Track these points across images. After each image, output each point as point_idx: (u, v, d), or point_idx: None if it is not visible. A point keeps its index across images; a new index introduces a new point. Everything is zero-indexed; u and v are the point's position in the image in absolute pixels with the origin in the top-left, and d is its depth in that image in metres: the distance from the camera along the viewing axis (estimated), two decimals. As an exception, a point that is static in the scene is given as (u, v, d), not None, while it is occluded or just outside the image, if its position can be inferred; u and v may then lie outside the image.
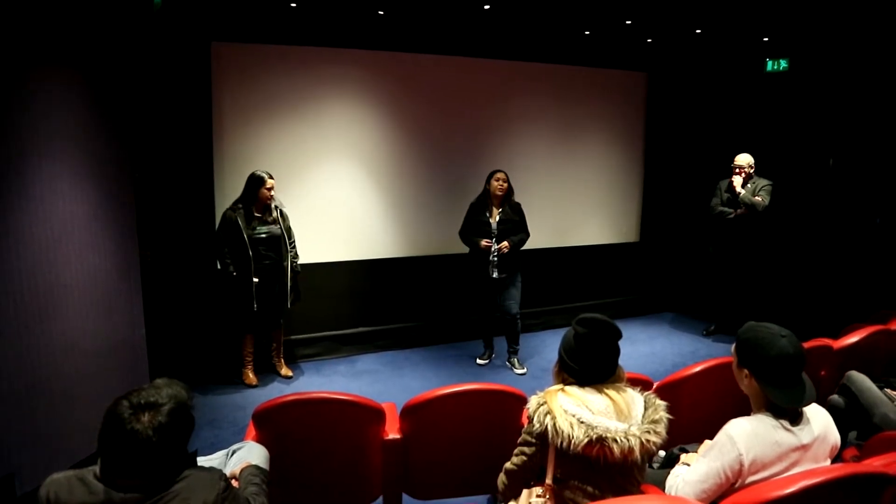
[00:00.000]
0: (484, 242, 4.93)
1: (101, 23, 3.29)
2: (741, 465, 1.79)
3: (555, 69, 6.08)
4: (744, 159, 5.51)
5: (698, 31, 5.55)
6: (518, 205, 5.09)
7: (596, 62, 6.22)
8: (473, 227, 5.05)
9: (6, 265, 2.75)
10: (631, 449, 1.77)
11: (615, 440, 1.76)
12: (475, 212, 5.07)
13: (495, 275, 5.00)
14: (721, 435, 1.86)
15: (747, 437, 1.81)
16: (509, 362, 5.29)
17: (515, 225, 5.02)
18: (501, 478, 2.08)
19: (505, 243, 4.91)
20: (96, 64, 3.27)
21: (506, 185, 4.97)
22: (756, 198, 5.39)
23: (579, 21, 5.40)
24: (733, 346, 2.02)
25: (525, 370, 5.19)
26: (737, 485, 1.82)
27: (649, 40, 6.03)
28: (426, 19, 5.20)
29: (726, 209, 5.61)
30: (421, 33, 5.38)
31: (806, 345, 3.32)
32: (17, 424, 2.88)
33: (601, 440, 1.76)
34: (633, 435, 1.79)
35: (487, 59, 5.74)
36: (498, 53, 5.76)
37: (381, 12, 4.90)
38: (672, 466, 2.26)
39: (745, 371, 1.94)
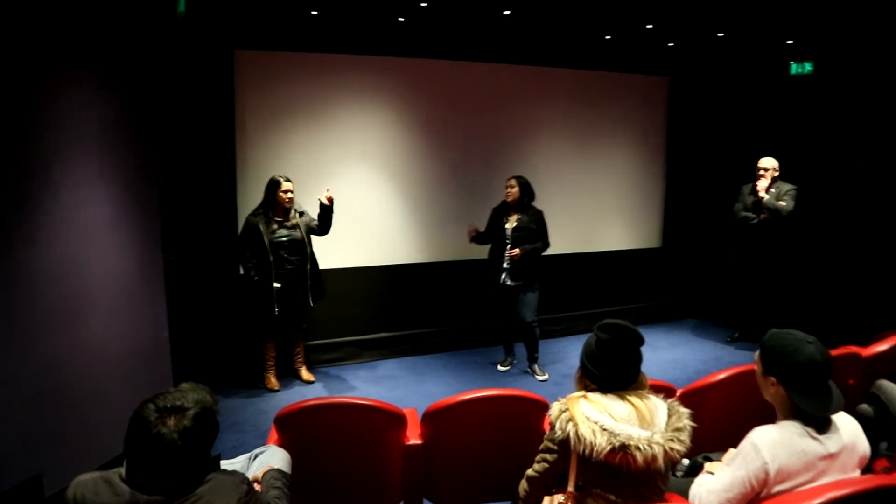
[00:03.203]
0: (469, 228, 5.00)
1: (127, 31, 3.36)
2: (766, 473, 1.76)
3: (575, 74, 6.06)
4: (768, 162, 5.43)
5: (720, 34, 5.49)
6: (540, 213, 4.99)
7: (617, 67, 6.19)
8: (490, 231, 5.05)
9: (34, 268, 2.81)
10: (654, 457, 1.75)
11: (638, 448, 1.74)
12: (495, 217, 5.07)
13: (508, 282, 4.95)
14: (745, 443, 1.83)
15: (773, 445, 1.78)
16: (530, 369, 5.26)
17: (532, 233, 4.90)
18: (523, 484, 2.07)
19: (516, 250, 4.84)
20: (122, 70, 3.33)
21: (514, 190, 4.88)
22: (780, 202, 5.31)
23: (600, 26, 5.39)
24: (757, 353, 1.99)
25: (546, 376, 5.16)
26: (762, 494, 1.79)
27: (671, 44, 5.99)
28: (446, 25, 5.22)
29: (749, 214, 5.53)
30: (441, 39, 5.41)
31: (834, 352, 3.24)
32: (46, 425, 2.93)
33: (624, 448, 1.75)
34: (657, 443, 1.77)
35: (507, 64, 5.75)
36: (518, 59, 5.76)
37: (401, 19, 4.93)
38: (696, 475, 2.23)
39: (772, 379, 1.91)
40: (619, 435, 1.76)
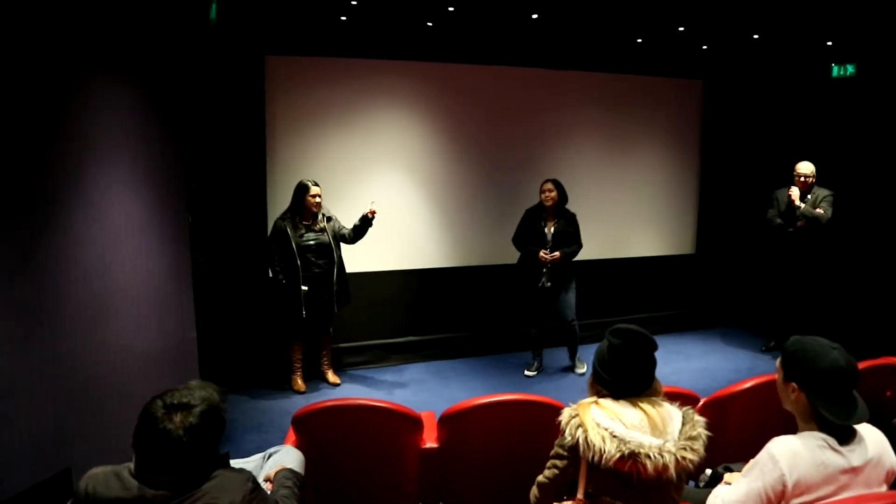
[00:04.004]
0: (542, 254, 4.96)
1: (160, 36, 3.44)
2: (784, 486, 1.69)
3: (606, 78, 5.99)
4: (806, 168, 5.26)
5: (756, 36, 5.36)
6: (574, 216, 5.13)
7: (649, 70, 6.10)
8: (528, 235, 5.08)
9: (65, 268, 2.88)
10: (665, 466, 1.70)
11: (648, 456, 1.70)
12: (530, 220, 5.11)
13: (548, 284, 5.05)
14: (763, 453, 1.77)
15: (791, 456, 1.71)
16: (572, 362, 5.44)
17: (569, 236, 5.05)
18: (533, 491, 2.04)
19: (556, 254, 4.93)
20: (154, 75, 3.41)
21: (553, 194, 4.97)
22: (818, 210, 5.13)
23: (631, 29, 5.31)
24: (778, 360, 1.93)
25: (585, 367, 5.31)
26: (780, 507, 1.72)
27: (704, 47, 5.86)
28: (474, 30, 5.22)
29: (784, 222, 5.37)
30: (469, 44, 5.40)
31: (871, 363, 3.14)
32: (73, 421, 2.99)
33: (633, 455, 1.70)
34: (668, 451, 1.72)
35: (537, 68, 5.71)
36: (548, 63, 5.72)
37: (430, 24, 4.95)
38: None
39: (793, 385, 1.84)
40: (629, 442, 1.72)
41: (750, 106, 6.42)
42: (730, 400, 2.82)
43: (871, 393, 1.84)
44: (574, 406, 1.88)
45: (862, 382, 1.85)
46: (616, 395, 1.86)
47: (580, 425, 1.78)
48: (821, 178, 5.30)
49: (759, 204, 5.95)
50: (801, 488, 1.69)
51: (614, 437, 1.73)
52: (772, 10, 4.69)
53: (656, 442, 1.74)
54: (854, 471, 1.73)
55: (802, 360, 1.83)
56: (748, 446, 2.44)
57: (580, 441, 1.76)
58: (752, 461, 1.85)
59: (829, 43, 5.52)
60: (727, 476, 2.13)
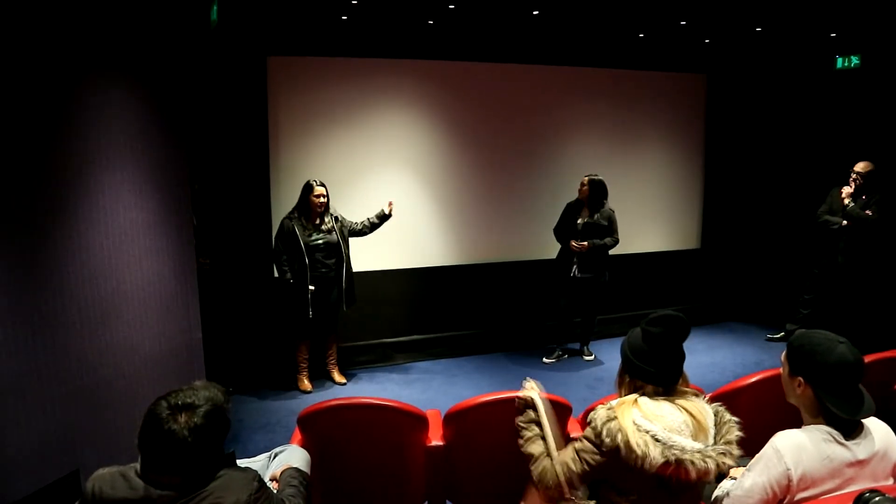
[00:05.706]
0: (573, 242, 5.17)
1: (161, 39, 3.45)
2: (789, 480, 1.68)
3: (609, 73, 5.98)
4: (859, 166, 5.17)
5: (758, 28, 5.33)
6: (611, 211, 5.28)
7: (652, 65, 6.08)
8: (563, 226, 5.31)
9: (71, 271, 2.90)
10: (707, 471, 1.69)
11: (692, 462, 1.68)
12: (569, 212, 5.30)
13: (578, 274, 5.23)
14: (768, 448, 1.76)
15: (796, 450, 1.70)
16: (583, 349, 5.64)
17: (602, 229, 5.20)
18: (552, 473, 1.90)
19: (584, 243, 5.12)
20: (158, 78, 3.42)
21: (585, 188, 5.18)
22: (867, 212, 5.10)
23: (632, 24, 5.30)
24: (783, 354, 1.91)
25: (593, 356, 5.56)
26: (785, 502, 1.72)
27: (707, 41, 5.84)
28: (475, 27, 5.21)
29: (832, 218, 5.30)
30: (470, 41, 5.40)
31: (878, 356, 3.12)
32: (81, 423, 3.02)
33: (679, 462, 1.67)
34: (710, 457, 1.70)
35: (539, 65, 5.70)
36: (550, 59, 5.71)
37: (431, 22, 4.95)
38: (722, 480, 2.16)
39: (799, 379, 1.83)
40: (672, 447, 1.69)
41: (754, 99, 6.40)
42: (735, 395, 2.81)
43: (877, 386, 1.82)
44: (613, 405, 1.83)
45: (869, 375, 1.84)
46: (660, 385, 1.84)
47: (620, 430, 1.73)
48: (825, 171, 5.26)
49: (764, 198, 5.92)
50: (806, 482, 1.69)
51: (657, 440, 1.70)
52: (774, 3, 4.67)
53: (697, 446, 1.72)
54: (860, 464, 1.72)
55: (809, 354, 1.81)
56: (754, 441, 2.44)
57: (621, 446, 1.72)
58: (756, 455, 1.84)
59: (833, 34, 5.49)
60: (733, 471, 2.12)
